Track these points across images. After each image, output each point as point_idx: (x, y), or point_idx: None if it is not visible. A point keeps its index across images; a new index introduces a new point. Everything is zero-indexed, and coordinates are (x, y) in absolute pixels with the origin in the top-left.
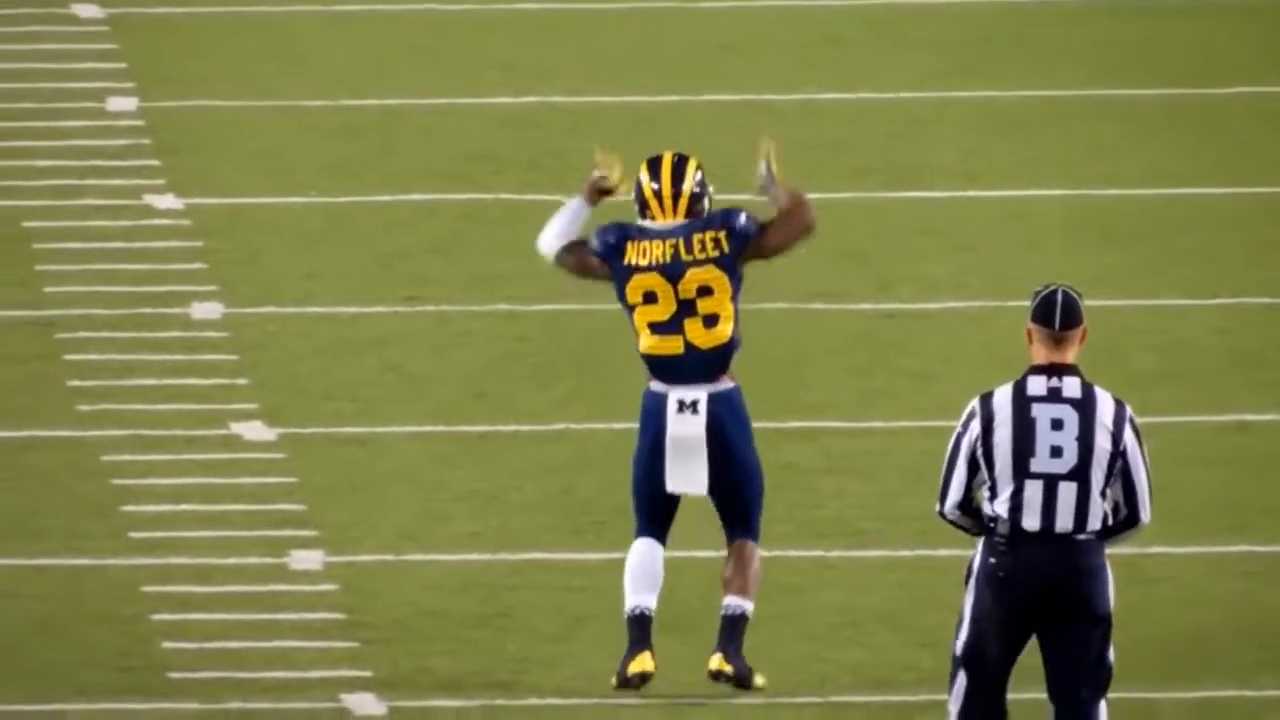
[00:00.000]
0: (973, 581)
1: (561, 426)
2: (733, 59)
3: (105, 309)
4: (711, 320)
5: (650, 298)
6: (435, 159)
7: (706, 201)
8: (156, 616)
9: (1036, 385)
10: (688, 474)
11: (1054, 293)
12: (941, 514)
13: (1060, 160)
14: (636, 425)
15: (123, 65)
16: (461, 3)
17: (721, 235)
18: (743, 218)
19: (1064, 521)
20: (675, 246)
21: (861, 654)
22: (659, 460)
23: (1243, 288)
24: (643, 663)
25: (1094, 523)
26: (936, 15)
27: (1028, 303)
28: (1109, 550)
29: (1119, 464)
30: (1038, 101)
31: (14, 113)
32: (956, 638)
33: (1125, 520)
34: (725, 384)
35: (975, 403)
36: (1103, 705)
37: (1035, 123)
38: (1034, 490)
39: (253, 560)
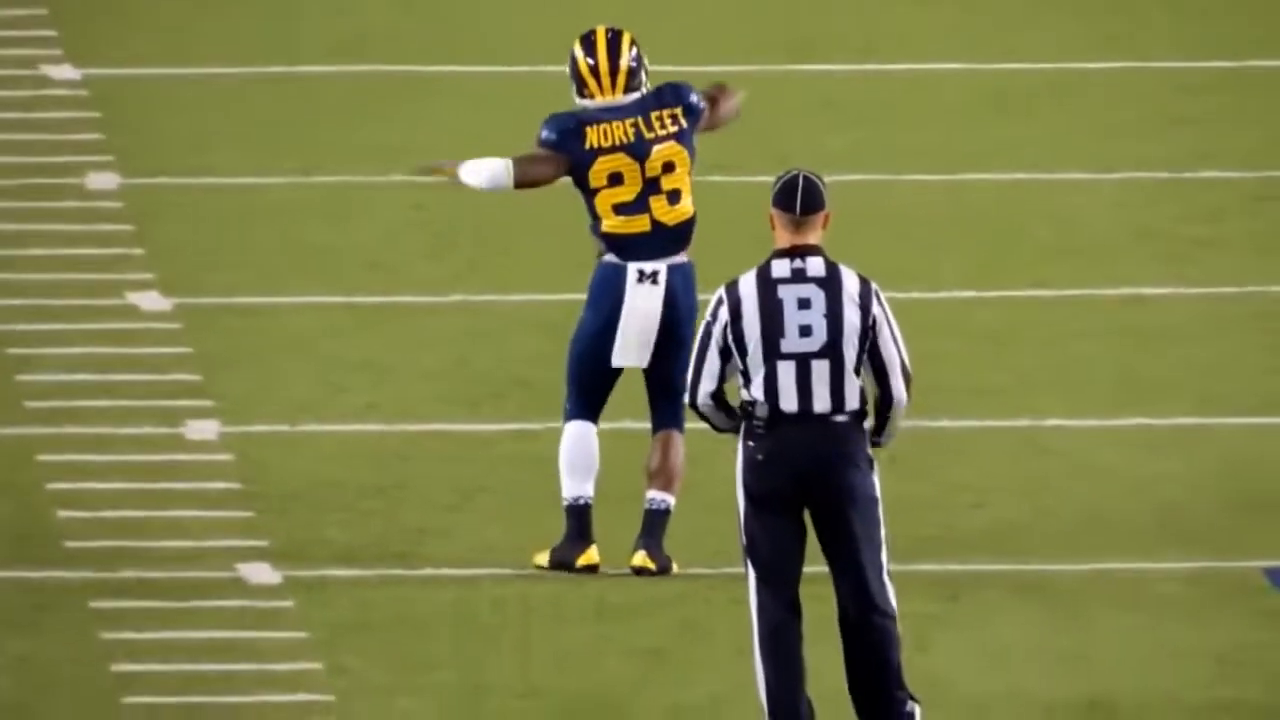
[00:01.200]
0: (738, 471)
1: (458, 298)
2: None
3: (1, 179)
4: (675, 196)
5: (616, 179)
6: (332, 31)
7: (643, 75)
8: (52, 485)
9: (780, 268)
10: (638, 347)
11: (795, 177)
12: (693, 405)
13: (960, 32)
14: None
15: None
16: None
17: (678, 111)
18: (693, 94)
19: (821, 401)
20: (636, 125)
21: None
22: (609, 333)
23: (1141, 162)
24: (590, 556)
25: (851, 401)
26: None
27: (925, 177)
28: (886, 441)
29: (869, 339)
30: None
31: None
32: (739, 531)
33: (882, 402)
34: (683, 258)
35: (721, 291)
36: (889, 583)
37: None
38: (787, 371)
39: (148, 430)
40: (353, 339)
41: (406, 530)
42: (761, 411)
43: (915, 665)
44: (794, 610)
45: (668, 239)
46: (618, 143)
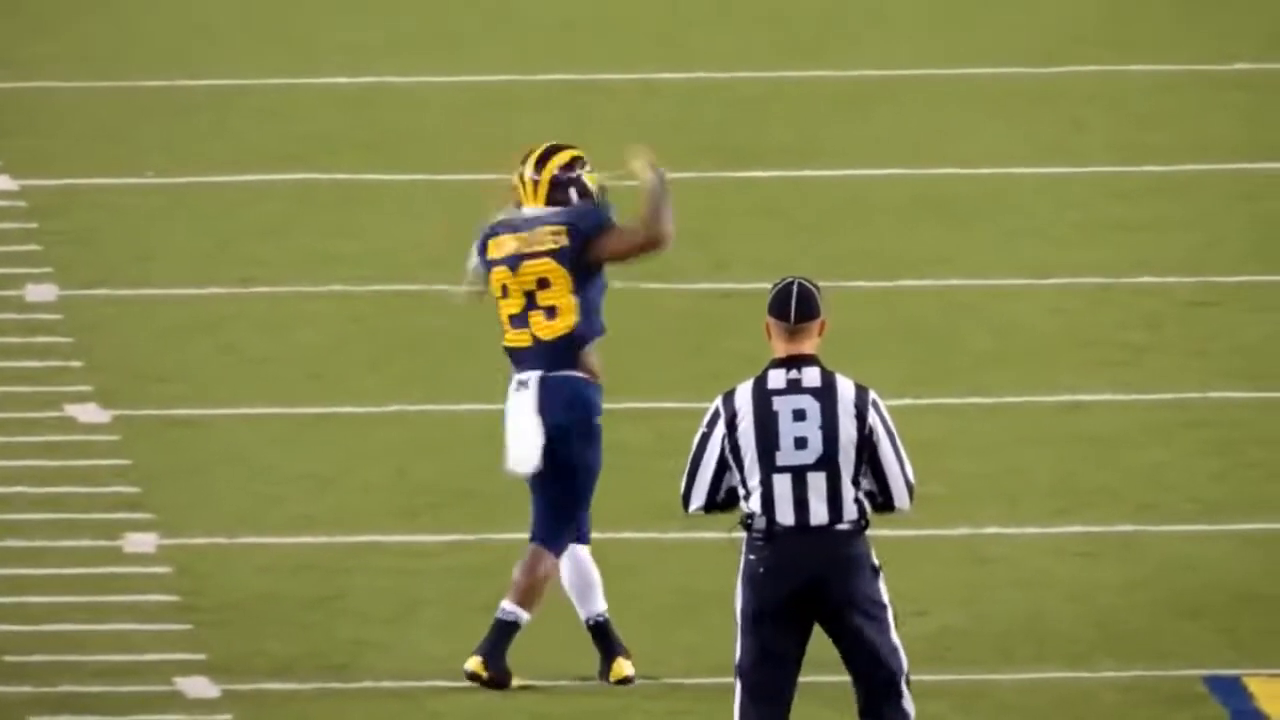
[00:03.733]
0: (739, 583)
1: (396, 408)
2: (572, 37)
3: None
4: (551, 312)
5: (504, 291)
6: (271, 139)
7: (573, 191)
8: None
9: (776, 379)
10: (516, 452)
11: (789, 285)
12: (687, 511)
13: (898, 140)
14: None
15: None
16: None
17: (563, 230)
18: (590, 217)
19: (818, 513)
20: (520, 240)
21: (696, 636)
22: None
23: (1078, 268)
24: (618, 670)
25: (850, 512)
26: None
27: (864, 283)
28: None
29: (866, 450)
30: (875, 81)
31: None
32: (734, 644)
33: (883, 507)
34: (566, 372)
35: (719, 402)
36: (905, 690)
37: (873, 102)
38: (783, 484)
39: (86, 543)
40: (292, 450)
41: (345, 643)
42: (760, 524)
43: None
44: None
45: (546, 354)
46: (502, 256)
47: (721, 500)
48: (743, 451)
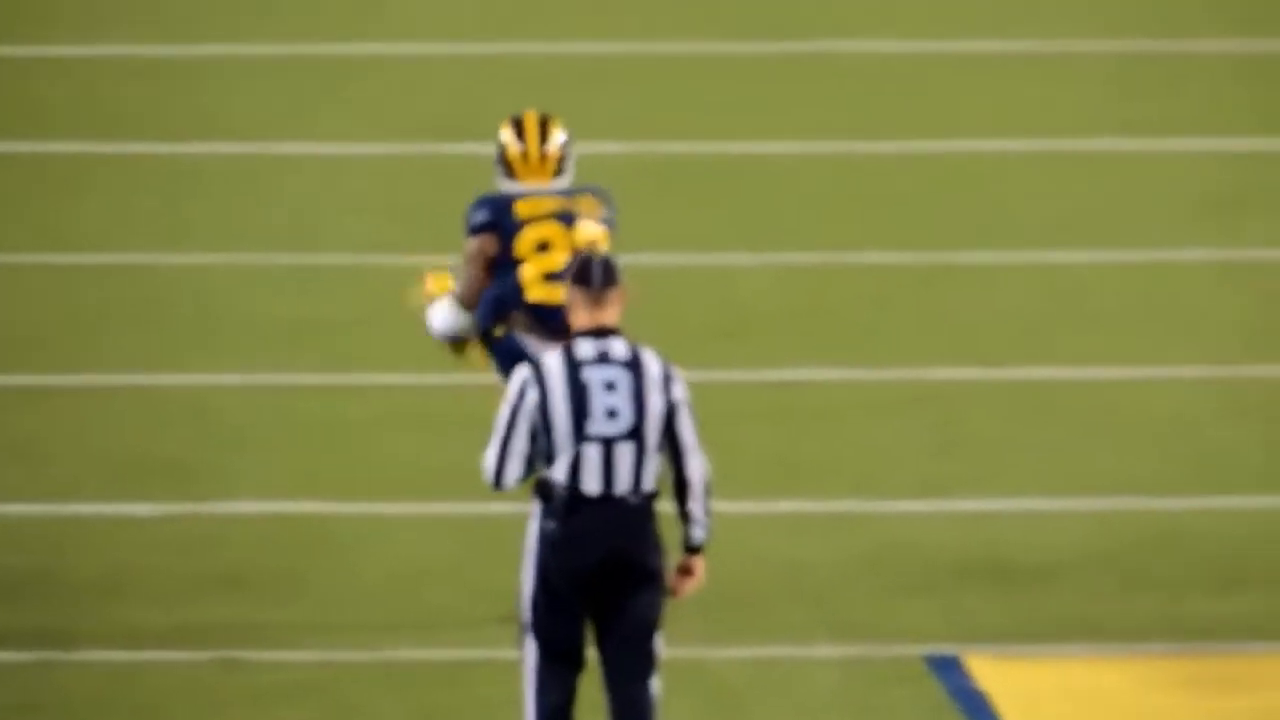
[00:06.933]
0: (532, 547)
1: (114, 379)
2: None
3: None
4: None
5: (544, 247)
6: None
7: (570, 163)
8: None
9: (585, 349)
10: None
11: (588, 256)
12: (498, 487)
13: (622, 113)
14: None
15: None
16: None
17: (597, 202)
18: (612, 205)
19: (622, 483)
20: (563, 201)
21: (419, 610)
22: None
23: (806, 242)
24: None
25: (649, 484)
26: None
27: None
28: (705, 530)
29: (670, 422)
30: (600, 55)
31: None
32: (521, 605)
33: (679, 482)
34: None
35: (527, 372)
36: (654, 683)
37: (602, 76)
38: (592, 453)
39: None
40: (4, 419)
41: (59, 614)
42: (562, 493)
43: None
44: (573, 695)
45: None
46: (548, 212)
47: (530, 472)
48: (554, 420)
